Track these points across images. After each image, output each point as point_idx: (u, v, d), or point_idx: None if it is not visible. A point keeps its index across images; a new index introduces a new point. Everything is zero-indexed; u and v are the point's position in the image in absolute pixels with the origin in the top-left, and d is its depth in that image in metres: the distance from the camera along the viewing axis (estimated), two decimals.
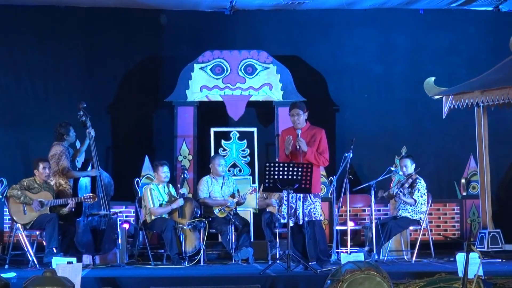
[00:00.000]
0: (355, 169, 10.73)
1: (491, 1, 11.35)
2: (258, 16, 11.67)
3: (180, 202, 9.33)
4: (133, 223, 10.01)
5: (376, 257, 9.00)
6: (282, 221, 8.58)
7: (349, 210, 9.20)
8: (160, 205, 9.38)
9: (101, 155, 9.53)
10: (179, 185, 9.63)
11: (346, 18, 11.77)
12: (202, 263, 9.10)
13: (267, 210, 9.80)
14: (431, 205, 9.81)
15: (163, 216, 9.34)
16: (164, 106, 10.98)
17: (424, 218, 9.50)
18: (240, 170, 10.93)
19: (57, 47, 11.25)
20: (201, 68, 11.05)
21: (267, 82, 11.07)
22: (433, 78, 9.85)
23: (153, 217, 9.34)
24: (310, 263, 8.00)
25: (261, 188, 9.96)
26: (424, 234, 9.57)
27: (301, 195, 8.00)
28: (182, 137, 10.94)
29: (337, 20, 11.76)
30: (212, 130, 11.03)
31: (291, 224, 7.93)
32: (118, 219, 9.33)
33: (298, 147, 8.03)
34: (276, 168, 7.83)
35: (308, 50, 11.78)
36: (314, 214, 8.04)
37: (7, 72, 11.17)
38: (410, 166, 9.62)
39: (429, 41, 11.77)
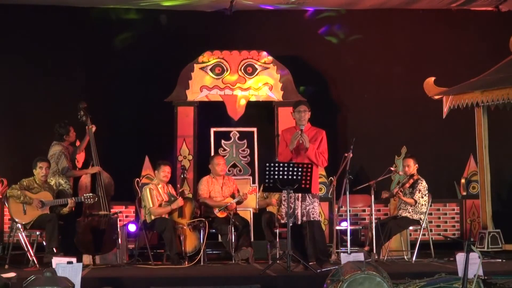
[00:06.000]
0: (355, 169, 10.72)
1: (491, 1, 11.35)
2: (258, 16, 11.68)
3: (180, 202, 9.33)
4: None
5: (376, 257, 9.00)
6: (282, 221, 8.58)
7: (349, 210, 9.20)
8: (160, 205, 9.38)
9: (101, 155, 9.53)
10: (178, 185, 9.63)
11: (346, 18, 11.77)
12: (202, 263, 9.09)
13: (267, 210, 9.80)
14: (431, 205, 9.81)
15: (163, 216, 9.34)
16: (164, 106, 10.97)
17: (424, 218, 9.50)
18: (240, 170, 10.93)
19: (57, 47, 11.25)
20: (201, 68, 11.05)
21: (267, 82, 11.07)
22: (433, 78, 9.86)
23: (152, 217, 9.34)
24: (310, 263, 8.00)
25: (261, 188, 9.97)
26: (424, 234, 9.58)
27: (300, 195, 8.00)
28: (182, 137, 10.94)
29: (337, 20, 11.77)
30: (212, 130, 11.03)
31: (291, 224, 7.93)
32: (118, 219, 9.33)
33: (301, 141, 8.03)
34: (276, 168, 7.83)
35: (308, 50, 11.78)
36: (313, 214, 8.04)
37: (7, 72, 11.17)
38: (412, 166, 9.62)
39: (429, 41, 11.77)
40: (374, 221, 9.31)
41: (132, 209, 10.38)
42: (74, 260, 6.81)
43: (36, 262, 8.63)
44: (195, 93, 11.01)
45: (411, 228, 9.77)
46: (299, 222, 8.01)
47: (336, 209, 9.89)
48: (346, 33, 11.79)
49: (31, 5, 11.18)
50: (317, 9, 11.63)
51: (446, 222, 11.02)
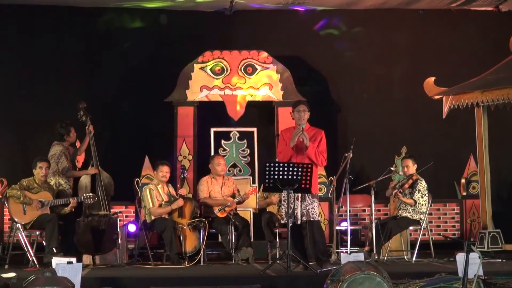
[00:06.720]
0: (355, 169, 10.72)
1: (491, 1, 11.36)
2: (258, 16, 11.68)
3: (180, 203, 9.32)
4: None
5: (376, 257, 9.00)
6: (282, 221, 8.58)
7: (349, 210, 9.20)
8: (160, 205, 9.38)
9: (101, 155, 9.54)
10: (178, 185, 9.63)
11: (346, 18, 11.77)
12: (202, 263, 9.09)
13: (267, 210, 9.80)
14: (431, 205, 9.81)
15: (163, 216, 9.34)
16: (164, 106, 10.97)
17: (424, 218, 9.50)
18: (240, 170, 10.93)
19: (57, 47, 11.25)
20: (201, 68, 11.05)
21: (267, 82, 11.07)
22: (433, 78, 9.85)
23: (152, 217, 9.34)
24: (310, 263, 8.00)
25: (261, 188, 9.97)
26: (424, 234, 9.57)
27: (299, 195, 8.00)
28: (182, 137, 10.94)
29: (337, 20, 11.77)
30: (212, 130, 11.02)
31: (291, 224, 7.92)
32: (118, 219, 9.32)
33: (301, 139, 8.03)
34: (276, 168, 7.82)
35: (308, 50, 11.78)
36: (312, 214, 8.04)
37: (7, 72, 11.17)
38: (411, 167, 9.61)
39: (429, 41, 11.78)
40: (374, 221, 9.30)
41: (132, 209, 10.38)
42: (74, 260, 6.81)
43: (36, 262, 8.62)
44: (195, 93, 11.00)
45: (411, 228, 9.76)
46: (299, 222, 8.01)
47: (336, 209, 9.89)
48: (346, 33, 11.79)
49: (31, 5, 11.17)
50: (319, 10, 11.61)
51: (446, 222, 11.01)
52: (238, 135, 10.98)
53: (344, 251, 9.16)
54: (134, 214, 10.34)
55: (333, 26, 11.77)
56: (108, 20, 11.42)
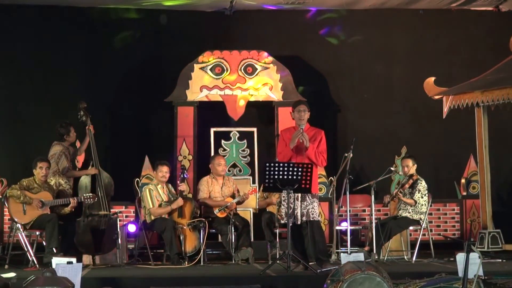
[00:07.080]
0: (355, 169, 10.72)
1: (491, 1, 11.36)
2: (258, 16, 11.68)
3: (179, 202, 9.32)
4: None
5: (376, 257, 9.00)
6: (282, 222, 8.58)
7: (349, 210, 9.20)
8: (160, 205, 9.37)
9: (101, 155, 9.54)
10: (178, 181, 9.59)
11: (346, 18, 11.77)
12: (202, 263, 9.09)
13: (267, 210, 9.80)
14: (431, 205, 9.81)
15: (163, 216, 9.34)
16: (164, 106, 10.98)
17: (424, 219, 9.50)
18: (240, 170, 10.93)
19: (57, 47, 11.25)
20: (201, 68, 11.05)
21: (267, 82, 11.07)
22: (433, 78, 9.85)
23: (152, 217, 9.34)
24: (310, 263, 8.00)
25: (261, 188, 9.97)
26: (424, 234, 9.57)
27: (299, 195, 8.00)
28: (182, 137, 10.93)
29: (337, 20, 11.77)
30: (212, 130, 11.02)
31: (291, 224, 7.92)
32: (118, 219, 9.32)
33: (301, 140, 8.03)
34: (276, 168, 7.82)
35: (308, 50, 11.78)
36: (312, 214, 8.03)
37: (7, 72, 11.17)
38: (411, 167, 9.61)
39: (429, 41, 11.78)
40: (374, 221, 9.30)
41: (132, 209, 10.38)
42: (74, 260, 6.81)
43: (36, 262, 8.62)
44: (195, 93, 11.00)
45: (411, 228, 9.76)
46: (299, 222, 8.01)
47: (336, 209, 9.90)
48: (346, 33, 11.80)
49: (32, 5, 11.18)
50: (319, 10, 11.62)
51: (446, 222, 11.01)
52: (238, 135, 10.98)
53: (344, 251, 9.16)
54: (134, 214, 10.34)
55: (333, 30, 11.76)
56: (108, 19, 11.42)
